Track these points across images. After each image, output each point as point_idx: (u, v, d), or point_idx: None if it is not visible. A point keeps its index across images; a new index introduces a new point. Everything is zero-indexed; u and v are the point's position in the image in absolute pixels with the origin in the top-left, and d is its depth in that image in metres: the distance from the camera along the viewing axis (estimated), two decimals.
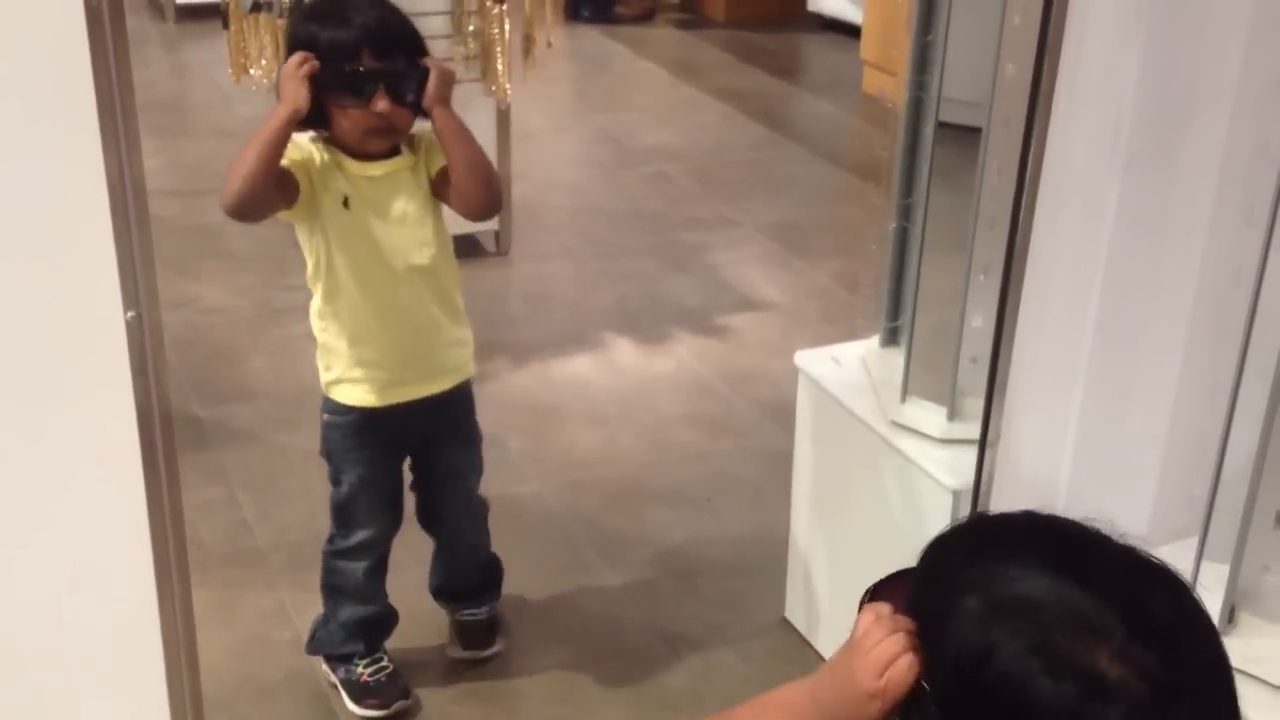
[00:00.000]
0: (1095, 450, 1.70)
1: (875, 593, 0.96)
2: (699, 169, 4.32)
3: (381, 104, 1.85)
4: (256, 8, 3.30)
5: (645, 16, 5.97)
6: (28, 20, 1.13)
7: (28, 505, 1.26)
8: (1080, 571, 0.84)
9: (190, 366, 3.02)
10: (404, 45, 1.89)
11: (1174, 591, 0.86)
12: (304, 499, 2.57)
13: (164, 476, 1.28)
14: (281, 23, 3.31)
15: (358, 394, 1.97)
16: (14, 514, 1.25)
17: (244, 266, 3.52)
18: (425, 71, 1.88)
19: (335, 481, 2.04)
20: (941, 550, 0.93)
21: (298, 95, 1.81)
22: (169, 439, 1.28)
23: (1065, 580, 0.83)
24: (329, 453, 2.03)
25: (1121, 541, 0.89)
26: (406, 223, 1.92)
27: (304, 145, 1.89)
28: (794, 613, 2.24)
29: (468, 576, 2.18)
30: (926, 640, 0.89)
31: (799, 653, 2.19)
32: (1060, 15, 1.47)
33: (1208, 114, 1.55)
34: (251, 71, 3.41)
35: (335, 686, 2.09)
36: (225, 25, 3.40)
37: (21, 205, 1.17)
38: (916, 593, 0.92)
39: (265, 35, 3.35)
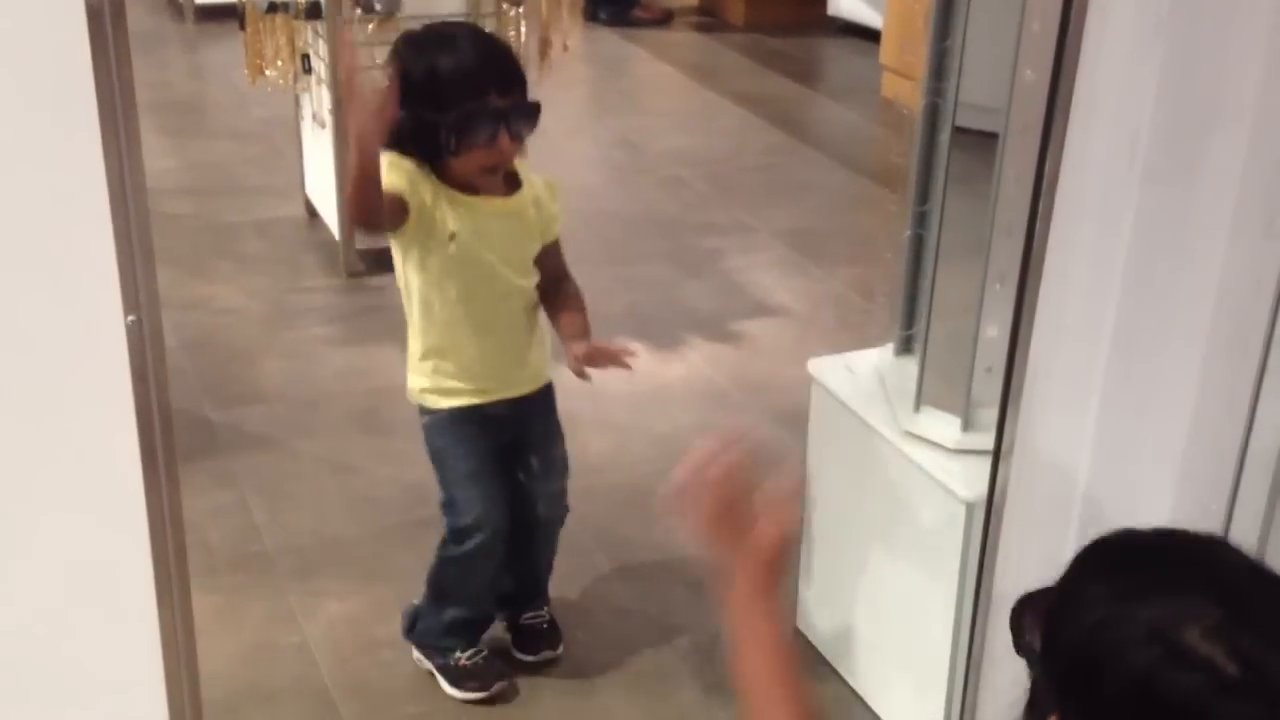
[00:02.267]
0: (1111, 463, 1.67)
1: (1021, 608, 0.95)
2: (715, 174, 4.30)
3: (505, 144, 1.85)
4: (273, 9, 3.31)
5: (663, 20, 5.96)
6: (28, 21, 1.12)
7: (27, 510, 1.25)
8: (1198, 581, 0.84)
9: (203, 368, 3.02)
10: (520, 80, 1.90)
11: None
12: (314, 503, 2.56)
13: (164, 482, 1.27)
14: (298, 24, 3.32)
15: (449, 401, 2.01)
16: (13, 519, 1.24)
17: (258, 268, 3.51)
18: (538, 107, 1.89)
19: (444, 482, 2.04)
20: (1078, 566, 0.92)
21: (375, 136, 1.77)
22: (169, 444, 1.27)
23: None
24: (434, 452, 2.04)
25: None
26: (516, 255, 1.97)
27: (412, 176, 1.88)
28: (806, 622, 2.22)
29: (539, 580, 2.20)
30: (1064, 652, 0.87)
31: (812, 663, 2.17)
32: (1079, 22, 1.45)
33: (1227, 125, 1.53)
34: (267, 72, 3.41)
35: (431, 673, 2.12)
36: (242, 26, 3.40)
37: (21, 208, 1.16)
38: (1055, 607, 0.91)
39: (281, 36, 3.35)
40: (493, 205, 1.93)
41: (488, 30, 3.26)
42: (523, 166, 1.99)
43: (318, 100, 3.43)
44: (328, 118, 3.36)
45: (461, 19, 3.29)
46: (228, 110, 4.63)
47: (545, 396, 2.09)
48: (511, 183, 1.97)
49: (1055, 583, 0.89)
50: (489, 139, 1.85)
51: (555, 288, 2.05)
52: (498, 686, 2.08)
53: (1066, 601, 0.87)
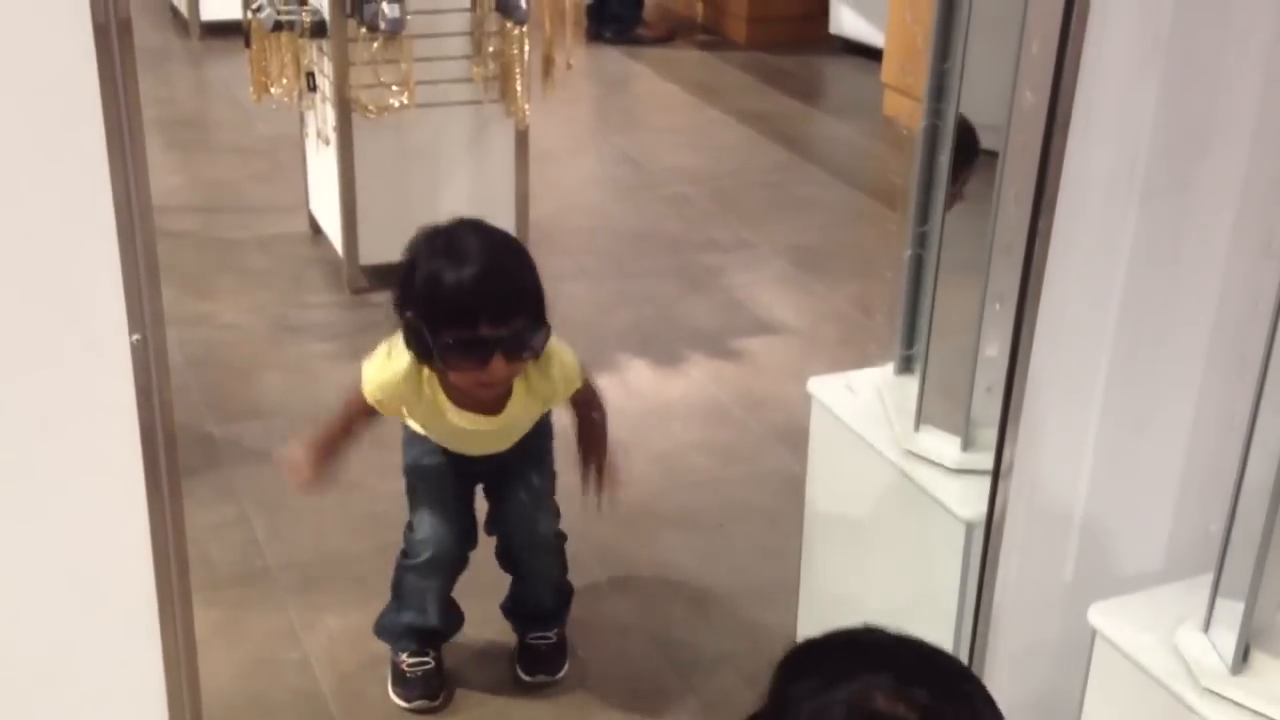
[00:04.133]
0: (1110, 483, 1.68)
1: None
2: (718, 190, 4.31)
3: (498, 368, 1.83)
4: (278, 26, 3.32)
5: (667, 38, 5.98)
6: (34, 39, 1.13)
7: (30, 527, 1.25)
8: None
9: (205, 384, 3.02)
10: (525, 305, 1.84)
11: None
12: (315, 519, 2.57)
13: (167, 500, 1.28)
14: (303, 42, 3.33)
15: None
16: (15, 535, 1.25)
17: (261, 284, 3.52)
18: (547, 330, 1.87)
19: (408, 495, 2.11)
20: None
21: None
22: (173, 462, 1.28)
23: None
24: (404, 467, 2.11)
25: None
26: (501, 442, 2.05)
27: (395, 381, 1.92)
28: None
29: (540, 601, 2.21)
30: None
31: None
32: (1078, 44, 1.46)
33: (1225, 145, 1.54)
34: (272, 90, 3.43)
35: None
36: (247, 44, 3.42)
37: (27, 226, 1.17)
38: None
39: (286, 54, 3.37)
40: (485, 421, 1.96)
41: (489, 49, 3.30)
42: (562, 368, 1.99)
43: (322, 117, 3.45)
44: (332, 135, 3.38)
45: (465, 36, 3.31)
46: (232, 127, 4.65)
47: (529, 437, 2.09)
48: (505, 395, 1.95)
49: (763, 702, 1.06)
50: (478, 364, 1.82)
51: (580, 414, 2.11)
52: (419, 704, 2.10)
53: (780, 708, 1.03)
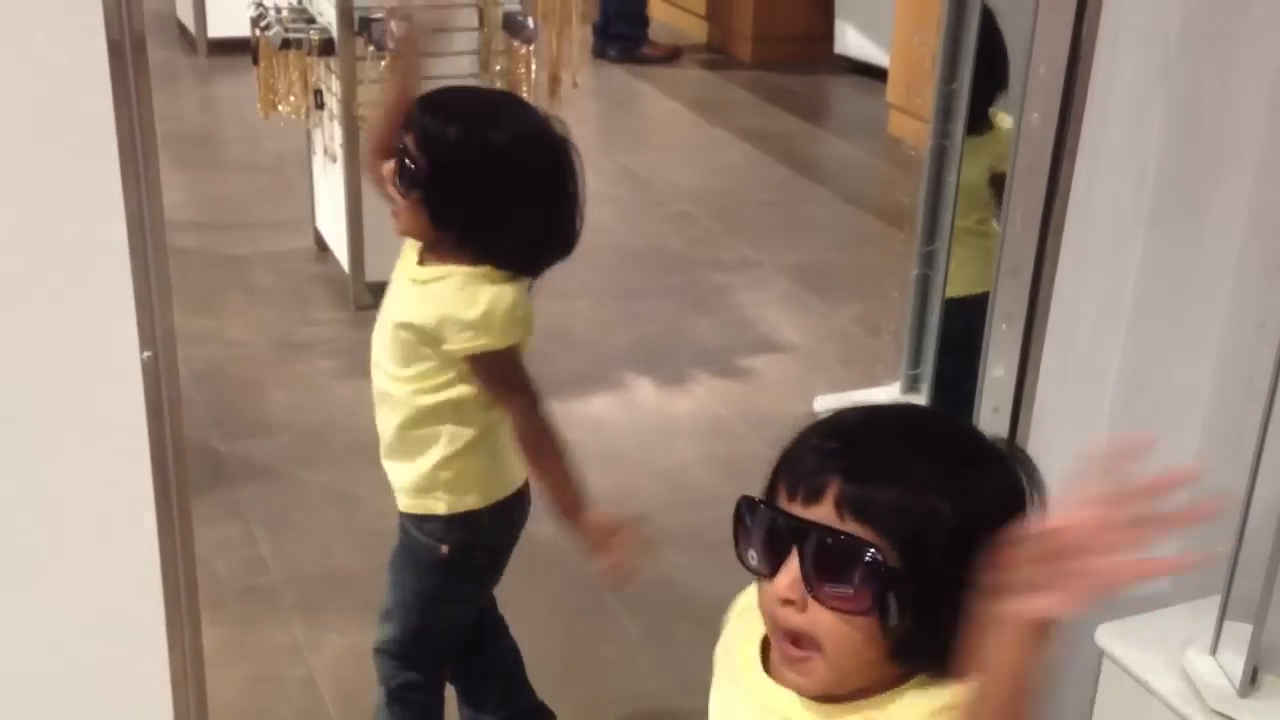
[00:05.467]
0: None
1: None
2: (722, 209, 4.32)
3: (390, 174, 1.69)
4: (286, 44, 3.34)
5: (671, 57, 6.00)
6: (49, 56, 1.13)
7: (40, 543, 1.25)
8: None
9: (211, 400, 3.03)
10: (444, 159, 1.67)
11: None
12: (320, 535, 2.57)
13: (177, 517, 1.28)
14: (311, 59, 3.35)
15: None
16: (27, 551, 1.25)
17: (267, 300, 3.53)
18: (455, 212, 1.68)
19: None
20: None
21: None
22: (183, 479, 1.28)
23: None
24: None
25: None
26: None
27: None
28: None
29: None
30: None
31: None
32: (1086, 66, 1.47)
33: (1233, 169, 1.54)
34: (280, 107, 3.44)
35: None
36: (255, 61, 3.43)
37: (41, 243, 1.17)
38: None
39: (294, 72, 3.39)
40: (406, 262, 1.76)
41: (496, 67, 3.31)
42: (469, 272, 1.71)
43: (329, 135, 3.46)
44: (339, 152, 3.39)
45: (472, 55, 3.32)
46: (239, 144, 4.67)
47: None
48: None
49: None
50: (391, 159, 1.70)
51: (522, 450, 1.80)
52: None
53: None
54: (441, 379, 1.72)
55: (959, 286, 1.98)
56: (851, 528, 0.95)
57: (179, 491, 1.28)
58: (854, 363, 3.29)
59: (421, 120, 1.69)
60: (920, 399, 2.00)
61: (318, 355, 3.27)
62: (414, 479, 1.77)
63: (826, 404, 2.13)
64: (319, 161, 3.65)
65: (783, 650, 1.00)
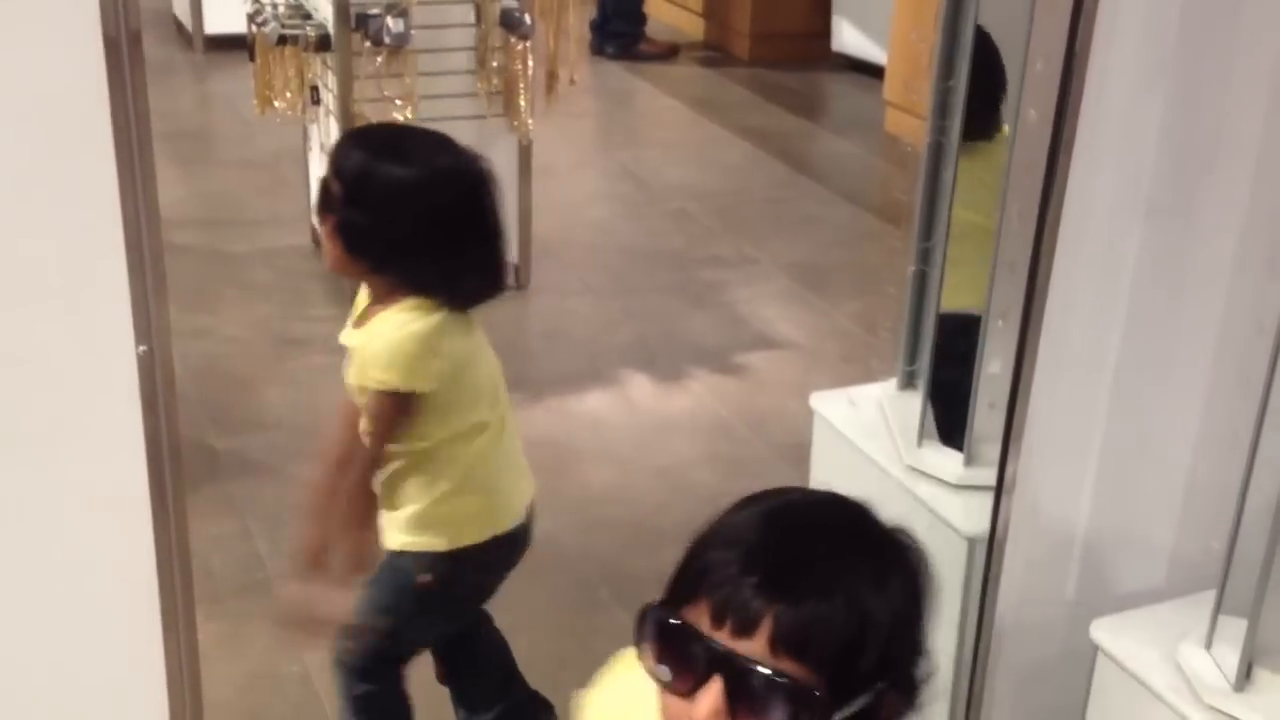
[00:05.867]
0: (1113, 499, 1.68)
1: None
2: (720, 207, 4.32)
3: (323, 225, 1.76)
4: (282, 40, 3.33)
5: (669, 54, 6.00)
6: (45, 52, 1.13)
7: (35, 537, 1.25)
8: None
9: (207, 396, 3.03)
10: (370, 212, 1.71)
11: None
12: None
13: (172, 512, 1.28)
14: (307, 55, 3.35)
15: None
16: (21, 547, 1.25)
17: (263, 297, 3.53)
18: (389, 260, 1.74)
19: None
20: None
21: None
22: (178, 475, 1.28)
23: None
24: None
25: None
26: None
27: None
28: None
29: None
30: None
31: None
32: (1083, 62, 1.47)
33: (1230, 165, 1.54)
34: (276, 104, 3.44)
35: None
36: (251, 57, 3.43)
37: (37, 238, 1.17)
38: None
39: (290, 68, 3.38)
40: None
41: (493, 64, 3.30)
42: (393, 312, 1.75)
43: (325, 131, 3.46)
44: None
45: (469, 51, 3.32)
46: (235, 140, 4.67)
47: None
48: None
49: None
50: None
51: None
52: None
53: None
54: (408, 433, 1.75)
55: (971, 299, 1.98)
56: (785, 665, 0.93)
57: (174, 486, 1.28)
58: (852, 360, 3.30)
59: (339, 149, 1.77)
60: (916, 395, 2.01)
61: (314, 352, 3.26)
62: (401, 523, 1.79)
63: (824, 400, 2.13)
64: (315, 158, 3.64)
65: None
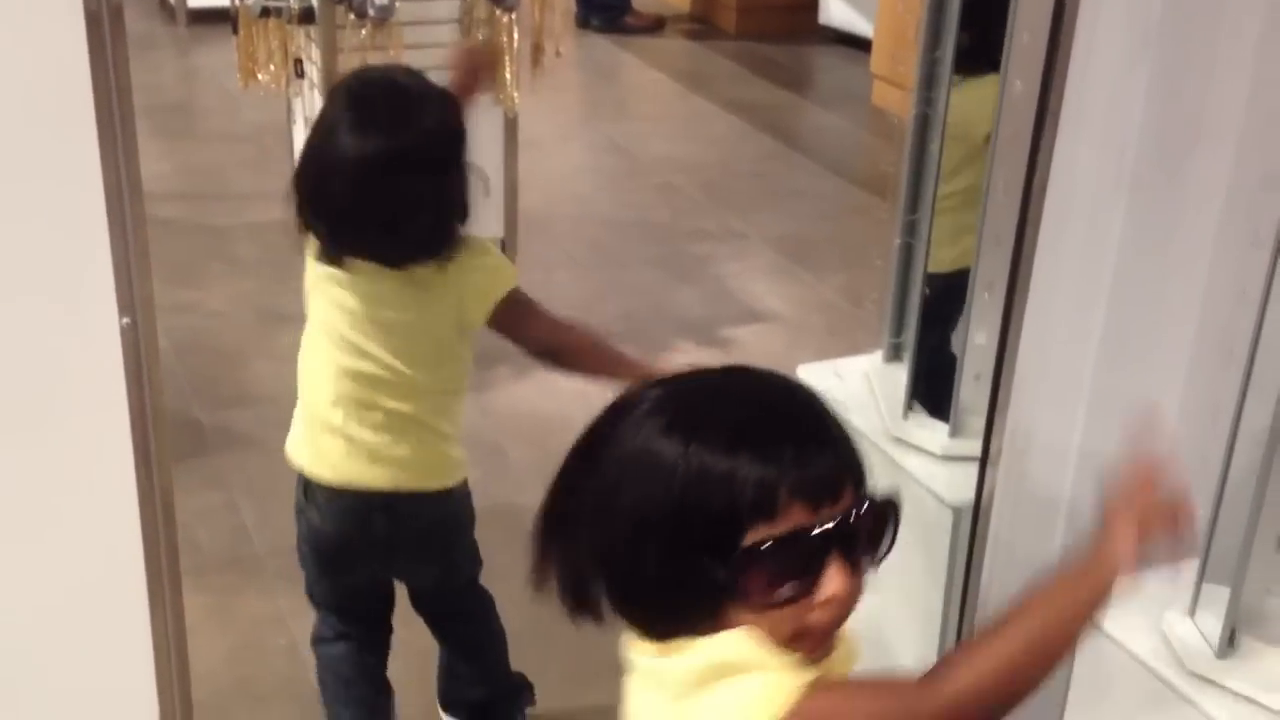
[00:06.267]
0: (1098, 470, 1.69)
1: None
2: (706, 180, 4.31)
3: None
4: (265, 13, 3.31)
5: (655, 27, 5.97)
6: (26, 25, 1.12)
7: (20, 511, 1.25)
8: None
9: (192, 371, 3.02)
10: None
11: None
12: None
13: (157, 483, 1.28)
14: (290, 28, 3.32)
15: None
16: (7, 520, 1.25)
17: (248, 271, 3.52)
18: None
19: None
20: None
21: None
22: (164, 447, 1.28)
23: None
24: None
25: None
26: None
27: None
28: None
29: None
30: None
31: None
32: (1069, 34, 1.46)
33: (1214, 137, 1.54)
34: (260, 76, 3.41)
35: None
36: (235, 30, 3.41)
37: (18, 210, 1.16)
38: None
39: (274, 40, 3.36)
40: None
41: (479, 37, 3.29)
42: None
43: (309, 104, 3.44)
44: None
45: (454, 23, 3.30)
46: (219, 114, 4.64)
47: None
48: None
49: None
50: None
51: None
52: None
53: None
54: None
55: (949, 262, 1.98)
56: (863, 494, 0.99)
57: (159, 459, 1.27)
58: (838, 332, 3.30)
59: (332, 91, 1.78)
60: (902, 367, 2.01)
61: (298, 326, 3.23)
62: None
63: (810, 372, 2.13)
64: (300, 131, 3.62)
65: (817, 650, 1.00)
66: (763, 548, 0.94)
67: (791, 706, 0.94)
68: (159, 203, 3.80)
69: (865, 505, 0.98)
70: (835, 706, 0.97)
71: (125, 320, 1.22)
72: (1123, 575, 1.01)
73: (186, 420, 2.80)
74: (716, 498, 0.95)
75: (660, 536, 0.97)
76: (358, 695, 1.88)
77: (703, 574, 0.96)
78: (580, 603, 1.06)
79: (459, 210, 1.74)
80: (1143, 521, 1.03)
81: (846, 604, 0.99)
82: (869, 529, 0.99)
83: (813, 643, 1.00)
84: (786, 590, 0.96)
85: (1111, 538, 1.03)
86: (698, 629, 0.98)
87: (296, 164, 1.76)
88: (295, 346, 3.15)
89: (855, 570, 0.99)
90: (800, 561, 0.96)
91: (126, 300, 1.22)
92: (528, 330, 1.82)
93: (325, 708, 1.90)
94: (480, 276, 1.77)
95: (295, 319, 3.27)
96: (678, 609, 0.99)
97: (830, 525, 0.96)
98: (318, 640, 1.91)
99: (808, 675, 0.97)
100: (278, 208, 4.20)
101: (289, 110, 3.66)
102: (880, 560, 1.02)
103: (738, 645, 0.97)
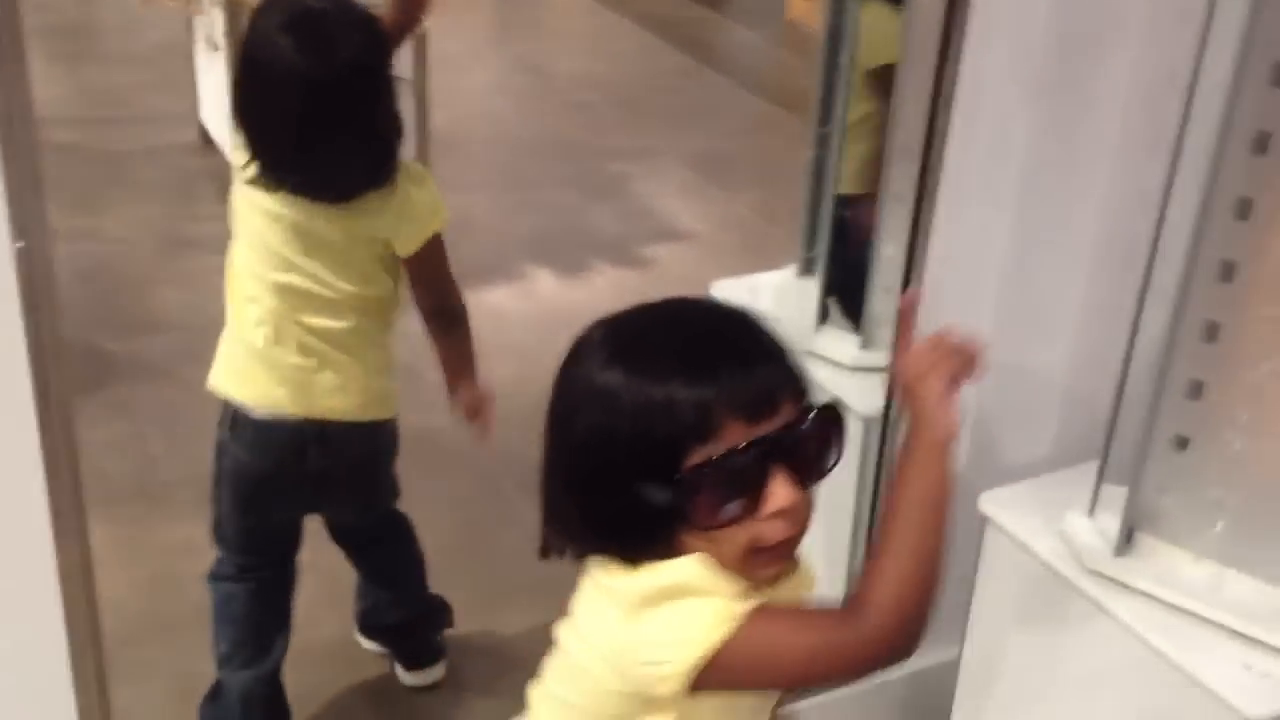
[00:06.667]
0: (1002, 375, 1.71)
1: None
2: (620, 97, 4.28)
3: None
4: None
5: None
6: None
7: None
8: None
9: (96, 299, 2.95)
10: None
11: None
12: (212, 434, 2.53)
13: (58, 412, 1.25)
14: None
15: None
16: None
17: (150, 196, 3.43)
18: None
19: None
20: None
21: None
22: (64, 375, 1.25)
23: None
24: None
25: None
26: None
27: None
28: None
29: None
30: None
31: None
32: None
33: (1117, 44, 1.55)
34: None
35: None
36: None
37: None
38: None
39: None
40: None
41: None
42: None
43: (211, 23, 3.34)
44: (221, 41, 3.27)
45: None
46: (118, 34, 4.50)
47: None
48: None
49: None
50: None
51: (435, 325, 1.87)
52: None
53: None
54: None
55: (860, 184, 1.99)
56: (807, 406, 1.00)
57: (59, 387, 1.24)
58: (752, 249, 3.31)
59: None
60: (814, 281, 2.02)
61: (205, 251, 3.18)
62: None
63: (725, 289, 2.14)
64: (201, 51, 3.52)
65: (773, 568, 1.01)
66: (703, 468, 0.96)
67: (733, 632, 0.96)
68: (56, 127, 3.68)
69: (807, 417, 0.99)
70: (774, 635, 0.98)
71: (20, 244, 1.18)
72: (950, 430, 1.06)
73: (92, 349, 2.75)
74: (655, 423, 0.96)
75: (609, 465, 0.99)
76: (250, 631, 1.86)
77: (651, 500, 0.97)
78: (559, 536, 1.07)
79: (398, 130, 1.70)
80: (937, 377, 1.08)
81: (796, 517, 1.00)
82: (813, 441, 1.00)
83: (768, 560, 1.01)
84: (732, 509, 0.97)
85: (923, 407, 1.07)
86: (658, 554, 0.99)
87: (233, 100, 1.72)
88: (200, 272, 3.10)
89: (803, 483, 0.99)
90: (742, 478, 0.97)
91: (20, 223, 1.17)
92: (430, 280, 1.79)
93: (214, 638, 1.88)
94: (419, 209, 1.73)
95: (199, 244, 3.21)
96: (635, 536, 1.00)
97: (767, 438, 0.96)
98: (218, 577, 1.88)
99: (753, 602, 0.98)
100: (179, 130, 4.10)
101: (190, 29, 3.56)
102: (828, 471, 1.02)
103: (688, 570, 0.99)
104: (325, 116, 1.62)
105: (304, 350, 1.73)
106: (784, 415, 0.98)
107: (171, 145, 3.66)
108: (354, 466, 1.83)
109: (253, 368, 1.75)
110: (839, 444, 1.03)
